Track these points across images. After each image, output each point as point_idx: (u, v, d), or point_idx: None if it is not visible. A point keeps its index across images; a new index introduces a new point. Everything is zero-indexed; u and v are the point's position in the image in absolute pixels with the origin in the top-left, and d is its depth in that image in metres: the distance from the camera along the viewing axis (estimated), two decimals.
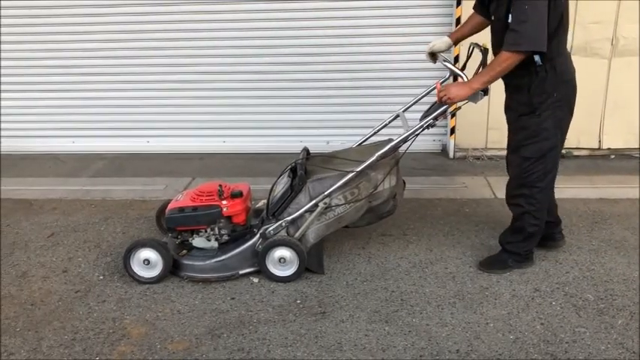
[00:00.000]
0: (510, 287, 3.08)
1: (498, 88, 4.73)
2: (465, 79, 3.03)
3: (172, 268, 3.17)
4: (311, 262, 3.19)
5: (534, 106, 2.86)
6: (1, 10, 5.29)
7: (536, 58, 2.75)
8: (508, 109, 3.12)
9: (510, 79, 2.91)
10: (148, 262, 3.12)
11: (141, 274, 3.15)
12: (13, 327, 2.83)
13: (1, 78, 5.51)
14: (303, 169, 3.25)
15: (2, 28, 5.36)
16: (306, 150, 3.53)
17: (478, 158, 5.20)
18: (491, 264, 3.26)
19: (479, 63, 3.09)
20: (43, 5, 5.25)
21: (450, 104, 2.93)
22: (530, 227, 3.11)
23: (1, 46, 5.41)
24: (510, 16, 2.68)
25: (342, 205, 3.14)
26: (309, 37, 5.19)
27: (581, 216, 3.93)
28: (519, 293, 3.02)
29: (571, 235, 3.65)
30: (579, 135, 5.14)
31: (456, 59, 4.90)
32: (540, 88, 2.83)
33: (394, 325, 2.77)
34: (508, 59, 2.70)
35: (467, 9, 4.82)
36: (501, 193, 4.32)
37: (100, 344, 2.68)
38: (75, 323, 2.85)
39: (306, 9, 5.13)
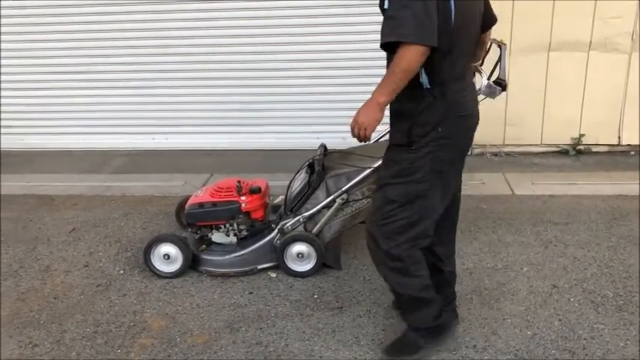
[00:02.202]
0: (528, 283, 3.08)
1: (517, 83, 4.72)
2: (483, 75, 3.03)
3: (192, 263, 3.22)
4: (328, 258, 3.22)
5: (412, 138, 2.23)
6: (15, 10, 5.38)
7: (424, 79, 2.18)
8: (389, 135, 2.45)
9: (392, 101, 2.22)
10: (168, 256, 3.16)
11: (161, 269, 3.20)
12: (37, 319, 2.89)
13: (21, 76, 5.61)
14: (320, 165, 3.27)
15: (17, 27, 5.45)
16: (323, 146, 3.55)
17: (496, 154, 5.17)
18: (399, 349, 2.55)
19: (497, 58, 3.09)
20: (58, 4, 5.32)
21: (368, 135, 2.24)
22: (406, 290, 2.42)
23: (19, 44, 5.50)
24: (387, 2, 2.08)
25: (359, 200, 3.15)
26: (325, 33, 5.20)
27: (599, 212, 3.90)
28: (537, 289, 3.02)
29: (589, 231, 3.63)
30: (598, 131, 5.10)
31: None
32: (423, 118, 2.22)
33: None
34: (402, 56, 2.04)
35: None
36: (519, 190, 4.34)
37: (122, 337, 2.73)
38: (96, 316, 2.91)
39: (320, 6, 5.14)
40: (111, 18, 5.31)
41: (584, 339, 2.62)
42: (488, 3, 2.45)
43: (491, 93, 3.01)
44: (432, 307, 2.46)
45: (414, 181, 2.26)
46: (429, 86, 2.19)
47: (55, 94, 5.62)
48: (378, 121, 2.19)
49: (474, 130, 2.43)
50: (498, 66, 3.07)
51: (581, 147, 5.12)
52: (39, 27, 5.43)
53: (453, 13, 2.10)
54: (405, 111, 2.27)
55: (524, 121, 5.12)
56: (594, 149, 5.14)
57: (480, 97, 3.09)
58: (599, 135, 5.11)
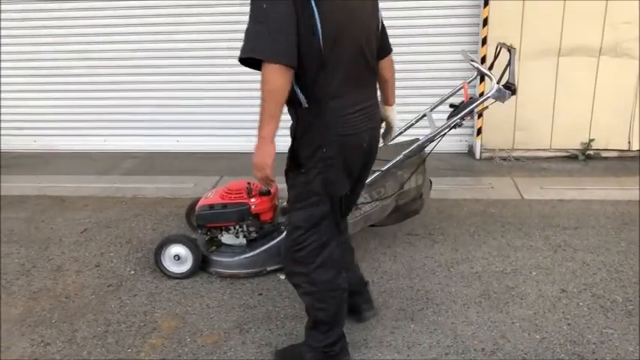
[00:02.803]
0: (537, 287, 3.08)
1: (527, 88, 4.73)
2: (493, 79, 3.04)
3: (202, 264, 3.24)
4: None
5: (300, 160, 2.18)
6: (35, 13, 5.45)
7: (300, 96, 2.09)
8: None
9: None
10: (178, 257, 3.19)
11: (171, 270, 3.22)
12: (49, 319, 2.92)
13: (35, 79, 5.68)
14: None
15: (31, 30, 5.52)
16: None
17: (505, 159, 5.17)
18: (286, 356, 2.56)
19: (507, 62, 3.10)
20: (72, 7, 5.38)
21: (269, 174, 2.14)
22: (316, 312, 2.39)
23: (33, 47, 5.57)
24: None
25: (368, 203, 3.17)
26: None
27: (609, 217, 3.89)
28: (546, 293, 3.02)
29: (599, 236, 3.62)
30: (608, 136, 5.09)
31: (483, 59, 4.89)
32: (307, 138, 2.15)
33: (420, 323, 2.80)
34: (263, 76, 1.97)
35: (495, 9, 4.82)
36: (528, 194, 4.34)
37: (132, 337, 2.76)
38: (107, 316, 2.94)
39: None
40: (124, 21, 5.37)
41: (594, 343, 2.62)
42: (385, 32, 2.43)
43: (500, 97, 3.04)
44: (329, 334, 2.40)
45: (312, 204, 2.21)
46: (306, 105, 2.10)
47: (67, 97, 5.68)
48: (272, 155, 2.08)
49: (368, 151, 2.29)
50: (508, 70, 3.10)
51: (591, 152, 5.11)
52: (53, 30, 5.50)
53: (319, 29, 1.99)
54: (291, 132, 2.22)
55: (534, 125, 5.12)
56: (604, 154, 5.13)
57: (490, 101, 3.12)
58: (609, 140, 5.10)
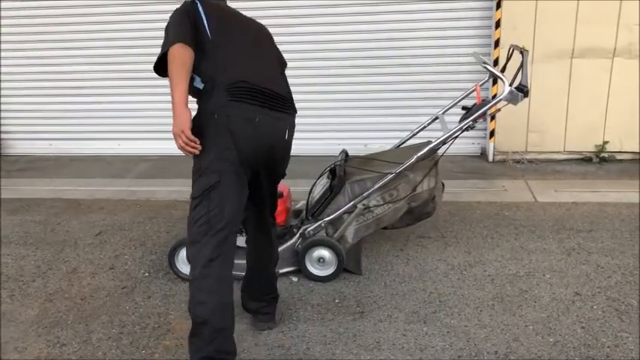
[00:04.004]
0: (550, 290, 3.06)
1: (540, 90, 4.71)
2: (505, 81, 3.04)
3: None
4: (349, 263, 3.24)
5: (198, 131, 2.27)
6: (51, 18, 5.53)
7: (197, 80, 2.31)
8: None
9: None
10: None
11: (185, 272, 3.24)
12: (64, 320, 2.96)
13: (50, 83, 5.75)
14: (342, 170, 3.30)
15: (47, 35, 5.60)
16: (344, 152, 3.58)
17: (518, 161, 5.15)
18: None
19: (519, 65, 3.10)
20: (92, 12, 5.45)
21: (192, 146, 2.21)
22: (194, 309, 2.26)
23: (50, 52, 5.65)
24: None
25: (380, 206, 3.17)
26: (347, 41, 5.25)
27: (624, 220, 3.86)
28: (559, 297, 3.00)
29: (613, 239, 3.60)
30: (623, 138, 5.05)
31: (496, 62, 4.88)
32: (200, 116, 2.31)
33: (432, 326, 2.79)
34: (169, 54, 2.22)
35: (507, 11, 4.81)
36: (542, 197, 4.32)
37: (147, 338, 2.78)
38: (122, 318, 2.96)
39: (343, 14, 5.19)
40: (140, 26, 5.43)
41: (608, 347, 2.60)
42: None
43: (512, 99, 3.04)
44: (215, 342, 2.26)
45: (205, 174, 2.31)
46: (200, 86, 2.32)
47: (82, 101, 5.75)
48: (187, 120, 2.21)
49: (274, 136, 2.39)
50: (520, 72, 3.09)
51: (605, 154, 5.08)
52: (68, 35, 5.58)
53: (207, 30, 2.30)
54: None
55: (547, 128, 5.09)
56: (618, 157, 5.09)
57: (502, 103, 3.11)
58: (624, 142, 5.07)
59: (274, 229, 2.76)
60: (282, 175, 2.62)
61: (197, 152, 2.23)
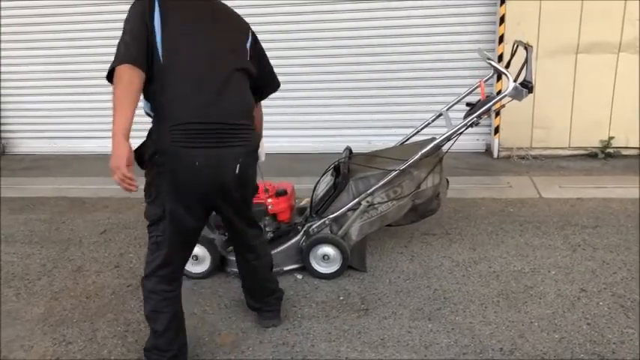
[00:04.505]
0: (555, 287, 3.05)
1: (544, 86, 4.69)
2: (509, 77, 3.03)
3: (220, 264, 3.26)
4: (354, 260, 3.24)
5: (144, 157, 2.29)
6: (55, 17, 5.53)
7: (145, 105, 2.27)
8: None
9: None
10: (196, 257, 3.21)
11: (189, 270, 3.25)
12: (70, 318, 2.97)
13: (54, 82, 5.76)
14: (346, 167, 3.30)
15: (49, 34, 5.61)
16: (348, 149, 3.57)
17: (523, 158, 5.14)
18: None
19: (523, 61, 3.09)
20: (96, 11, 5.45)
21: (129, 182, 2.09)
22: (150, 323, 2.38)
23: (52, 51, 5.66)
24: None
25: (384, 203, 3.17)
26: (350, 37, 5.24)
27: (629, 216, 3.84)
28: (565, 293, 2.99)
29: (619, 235, 3.58)
30: (628, 134, 5.03)
31: (500, 58, 4.86)
32: (149, 142, 2.28)
33: (437, 323, 2.79)
34: (115, 76, 2.14)
35: (511, 7, 4.79)
36: (547, 193, 4.30)
37: None
38: (127, 316, 2.97)
39: (346, 10, 5.18)
40: None
41: (614, 343, 2.59)
42: (267, 67, 2.52)
43: (517, 95, 3.03)
44: (160, 340, 2.37)
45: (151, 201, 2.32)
46: (151, 112, 2.27)
47: (85, 100, 5.76)
48: (124, 155, 2.08)
49: (218, 169, 2.23)
50: (525, 68, 3.08)
51: (610, 150, 5.05)
52: (72, 33, 5.58)
53: (159, 50, 2.15)
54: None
55: (552, 123, 5.08)
56: (624, 152, 5.07)
57: (506, 99, 3.10)
58: (629, 138, 5.04)
59: (260, 238, 2.66)
60: (245, 200, 2.46)
61: (134, 190, 2.10)
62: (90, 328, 2.87)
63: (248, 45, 2.39)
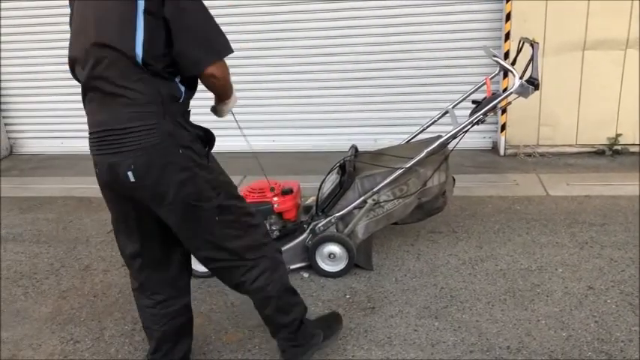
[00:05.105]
0: (563, 285, 3.04)
1: (551, 83, 4.66)
2: (515, 74, 3.02)
3: None
4: (360, 258, 3.24)
5: None
6: (64, 17, 5.55)
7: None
8: None
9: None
10: None
11: (196, 269, 3.23)
12: (77, 317, 2.98)
13: (62, 82, 5.77)
14: (351, 166, 3.30)
15: (57, 34, 5.61)
16: (354, 147, 3.57)
17: (529, 155, 5.11)
18: None
19: (529, 58, 3.07)
20: None
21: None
22: None
23: (61, 52, 5.67)
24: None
25: (390, 201, 3.16)
26: (356, 35, 5.23)
27: (637, 213, 3.82)
28: (572, 291, 2.98)
29: (627, 232, 3.56)
30: (636, 130, 4.99)
31: (506, 55, 4.84)
32: None
33: (444, 321, 2.78)
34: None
35: (517, 4, 4.76)
36: (554, 191, 4.28)
37: None
38: (134, 314, 2.96)
39: (352, 8, 5.17)
40: None
41: (622, 341, 2.58)
42: (182, 38, 1.92)
43: (523, 92, 3.02)
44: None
45: None
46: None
47: None
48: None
49: (112, 176, 2.01)
50: (531, 65, 3.07)
51: (618, 147, 5.02)
52: None
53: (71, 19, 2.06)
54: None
55: (559, 121, 5.05)
56: (632, 149, 5.03)
57: (513, 96, 3.09)
58: (637, 135, 5.01)
59: (252, 272, 2.25)
60: (176, 223, 2.08)
61: None
62: (97, 327, 2.89)
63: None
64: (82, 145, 5.91)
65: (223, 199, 2.10)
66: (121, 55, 1.88)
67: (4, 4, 5.61)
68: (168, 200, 1.99)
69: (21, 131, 6.06)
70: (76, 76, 2.08)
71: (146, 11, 1.84)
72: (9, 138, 6.07)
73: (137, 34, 1.85)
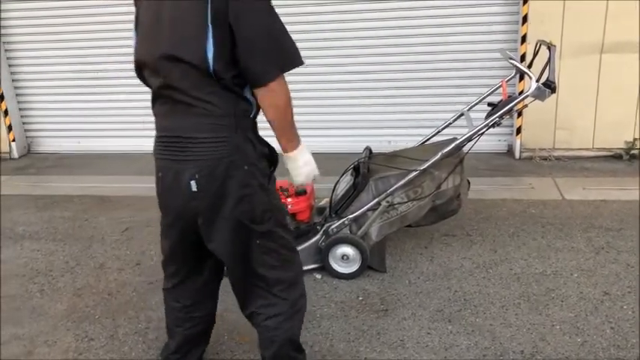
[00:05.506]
0: (578, 290, 3.01)
1: (568, 86, 4.62)
2: (532, 77, 2.99)
3: None
4: (373, 260, 3.23)
5: None
6: (82, 17, 5.61)
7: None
8: None
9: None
10: None
11: None
12: (92, 314, 3.01)
13: (79, 82, 5.84)
14: (366, 167, 3.29)
15: (78, 34, 5.68)
16: (368, 149, 3.57)
17: (545, 159, 5.07)
18: None
19: (545, 61, 3.05)
20: (121, 12, 5.51)
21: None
22: None
23: (80, 51, 5.74)
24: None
25: (404, 203, 3.15)
26: (370, 37, 5.22)
27: None
28: (587, 296, 2.95)
29: None
30: None
31: (523, 57, 4.81)
32: None
33: (457, 325, 2.77)
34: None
35: (534, 6, 4.73)
36: (570, 195, 4.25)
37: None
38: (148, 313, 3.00)
39: (366, 10, 5.17)
40: None
41: (638, 348, 2.55)
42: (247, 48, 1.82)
43: (540, 95, 2.99)
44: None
45: None
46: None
47: (109, 99, 5.83)
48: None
49: (176, 182, 1.96)
50: (548, 68, 3.04)
51: (635, 151, 4.96)
52: (97, 34, 5.65)
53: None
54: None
55: (575, 124, 5.00)
56: None
57: (529, 99, 3.07)
58: None
59: (270, 310, 2.18)
60: (222, 237, 2.02)
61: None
62: (112, 325, 2.91)
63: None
64: (99, 145, 6.04)
65: (272, 225, 2.05)
66: (193, 67, 1.83)
67: (22, 5, 5.68)
68: (224, 214, 1.95)
69: (38, 130, 6.13)
70: (144, 80, 2.06)
71: (214, 17, 1.77)
72: (26, 137, 6.14)
73: (208, 43, 1.79)
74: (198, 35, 1.79)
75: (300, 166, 2.04)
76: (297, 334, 2.27)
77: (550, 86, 2.96)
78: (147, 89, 2.11)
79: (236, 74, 1.85)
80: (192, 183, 1.91)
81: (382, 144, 5.19)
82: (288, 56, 1.87)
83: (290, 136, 2.00)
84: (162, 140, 2.00)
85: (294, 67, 1.85)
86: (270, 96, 1.87)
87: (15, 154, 5.96)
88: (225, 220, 1.97)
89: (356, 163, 3.39)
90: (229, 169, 1.91)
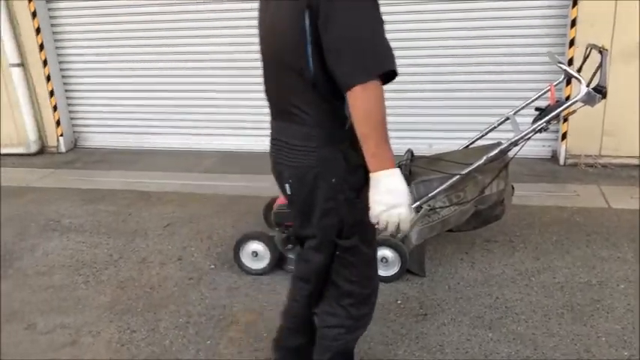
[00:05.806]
0: (625, 301, 2.92)
1: (617, 91, 4.48)
2: (582, 82, 2.92)
3: (278, 262, 3.30)
4: (412, 264, 3.20)
5: None
6: (129, 16, 5.74)
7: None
8: None
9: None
10: (256, 254, 3.27)
11: (249, 266, 3.31)
12: (134, 307, 3.08)
13: (129, 79, 5.98)
14: (407, 170, 3.27)
15: (129, 33, 5.81)
16: (410, 152, 3.54)
17: (591, 166, 4.94)
18: None
19: (597, 65, 2.97)
20: (165, 11, 5.62)
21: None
22: None
23: (131, 49, 5.87)
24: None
25: (446, 207, 3.12)
26: (413, 39, 5.18)
27: None
28: (635, 308, 2.86)
29: None
30: None
31: (570, 61, 4.70)
32: None
33: (498, 332, 2.73)
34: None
35: (584, 9, 4.62)
36: (616, 203, 4.13)
37: (212, 329, 2.86)
38: (189, 308, 3.05)
39: (409, 12, 5.13)
40: (212, 24, 5.55)
41: None
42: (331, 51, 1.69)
43: (590, 101, 2.92)
44: None
45: None
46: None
47: (154, 97, 5.95)
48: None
49: (280, 183, 2.01)
50: (599, 72, 2.97)
51: None
52: (146, 32, 5.77)
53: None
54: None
55: (624, 131, 4.86)
56: None
57: (577, 105, 3.00)
58: None
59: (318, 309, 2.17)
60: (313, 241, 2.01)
61: None
62: (153, 318, 2.97)
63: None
64: (145, 141, 6.15)
65: (356, 241, 1.97)
66: (296, 74, 1.79)
67: (71, 3, 5.84)
68: (312, 223, 1.96)
69: (85, 125, 6.31)
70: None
71: (310, 20, 1.68)
72: (74, 132, 6.32)
73: (307, 48, 1.71)
74: (299, 39, 1.72)
75: (379, 192, 1.74)
76: (353, 346, 2.26)
77: (601, 91, 2.89)
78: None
79: (328, 79, 1.75)
80: (287, 186, 1.96)
81: (423, 147, 5.14)
82: (377, 58, 1.68)
83: (373, 150, 1.73)
84: (271, 140, 2.03)
85: (382, 71, 1.68)
86: (352, 102, 1.69)
87: (62, 149, 6.14)
88: (314, 229, 1.97)
89: (397, 165, 3.37)
90: (317, 179, 1.87)
